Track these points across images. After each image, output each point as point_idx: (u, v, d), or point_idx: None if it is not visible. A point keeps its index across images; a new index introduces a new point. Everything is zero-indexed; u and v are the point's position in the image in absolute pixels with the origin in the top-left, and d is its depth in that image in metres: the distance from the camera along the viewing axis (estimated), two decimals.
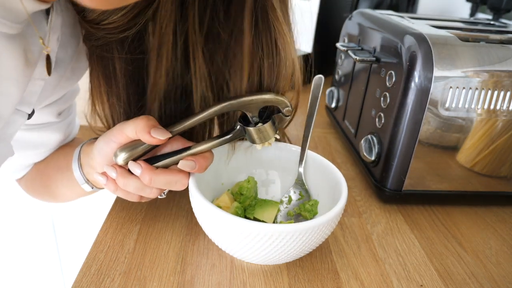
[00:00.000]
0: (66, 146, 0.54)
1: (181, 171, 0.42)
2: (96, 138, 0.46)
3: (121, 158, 0.41)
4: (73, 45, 0.42)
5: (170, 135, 0.40)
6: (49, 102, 0.46)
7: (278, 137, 0.45)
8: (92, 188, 0.48)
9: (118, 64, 0.41)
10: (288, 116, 0.44)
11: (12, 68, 0.33)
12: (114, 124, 0.45)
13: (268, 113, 0.44)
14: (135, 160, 0.41)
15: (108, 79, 0.42)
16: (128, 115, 0.44)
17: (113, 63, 0.41)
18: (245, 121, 0.44)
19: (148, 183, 0.41)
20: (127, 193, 0.43)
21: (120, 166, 0.41)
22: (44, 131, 0.49)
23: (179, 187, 0.42)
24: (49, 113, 0.48)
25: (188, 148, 0.42)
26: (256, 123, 0.43)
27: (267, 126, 0.43)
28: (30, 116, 0.40)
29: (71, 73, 0.44)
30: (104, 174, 0.42)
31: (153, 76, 0.41)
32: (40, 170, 0.53)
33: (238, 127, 0.43)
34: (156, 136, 0.38)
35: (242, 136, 0.44)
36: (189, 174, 0.42)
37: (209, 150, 0.43)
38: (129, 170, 0.41)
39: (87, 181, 0.47)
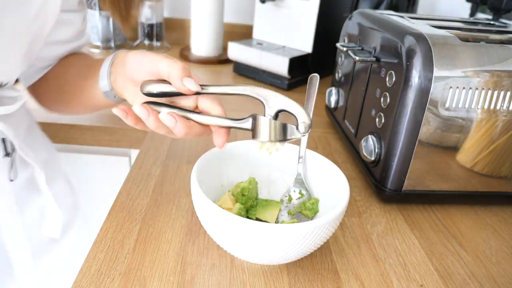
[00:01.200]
0: (87, 58, 0.57)
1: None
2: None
3: (147, 89, 0.42)
4: None
5: (199, 89, 0.40)
6: None
7: (281, 147, 0.44)
8: (115, 97, 0.50)
9: None
10: (302, 134, 0.41)
11: None
12: None
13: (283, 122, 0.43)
14: (154, 101, 0.43)
15: None
16: None
17: None
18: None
19: (182, 135, 0.41)
20: (145, 126, 0.43)
21: (153, 110, 0.41)
22: (61, 16, 0.51)
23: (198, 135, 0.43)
24: None
25: (199, 113, 0.42)
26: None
27: (279, 124, 0.41)
28: None
29: None
30: (124, 110, 0.41)
31: None
32: (59, 75, 0.54)
33: (250, 116, 0.42)
34: (187, 85, 0.40)
35: (249, 127, 0.42)
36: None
37: (227, 128, 0.42)
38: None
39: (112, 89, 0.48)
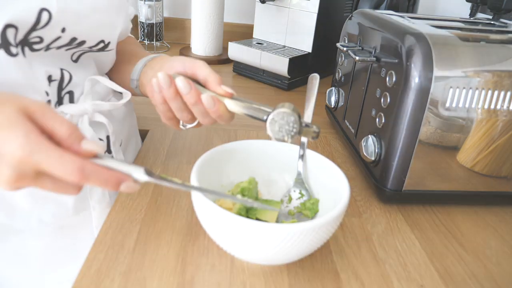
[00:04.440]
0: (131, 43, 0.64)
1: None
2: None
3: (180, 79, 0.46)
4: None
5: (234, 93, 0.47)
6: None
7: (289, 141, 0.45)
8: (136, 87, 0.56)
9: None
10: (312, 137, 0.46)
11: None
12: None
13: None
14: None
15: None
16: None
17: None
18: None
19: (192, 103, 0.46)
20: (166, 109, 0.48)
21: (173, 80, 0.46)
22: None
23: (207, 122, 0.48)
24: None
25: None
26: None
27: (293, 118, 0.43)
28: None
29: None
30: (157, 84, 0.46)
31: None
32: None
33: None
34: (225, 89, 0.46)
35: (265, 114, 0.44)
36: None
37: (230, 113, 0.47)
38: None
39: (137, 79, 0.54)
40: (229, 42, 1.05)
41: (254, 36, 1.12)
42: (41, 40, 0.43)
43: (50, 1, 0.41)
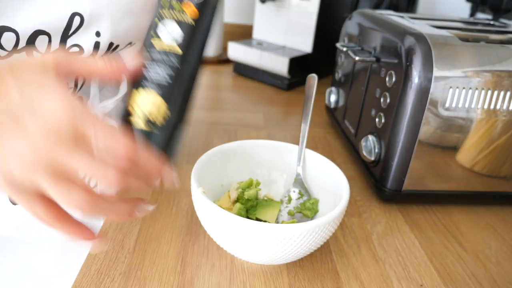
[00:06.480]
0: None
1: None
2: None
3: None
4: None
5: None
6: None
7: None
8: None
9: None
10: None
11: None
12: None
13: None
14: None
15: None
16: None
17: None
18: None
19: None
20: None
21: None
22: None
23: None
24: None
25: None
26: None
27: None
28: None
29: None
30: None
31: None
32: None
33: None
34: None
35: None
36: None
37: None
38: None
39: None
40: (229, 42, 1.06)
41: (254, 36, 1.12)
42: (81, 50, 0.42)
43: (83, 5, 0.40)
